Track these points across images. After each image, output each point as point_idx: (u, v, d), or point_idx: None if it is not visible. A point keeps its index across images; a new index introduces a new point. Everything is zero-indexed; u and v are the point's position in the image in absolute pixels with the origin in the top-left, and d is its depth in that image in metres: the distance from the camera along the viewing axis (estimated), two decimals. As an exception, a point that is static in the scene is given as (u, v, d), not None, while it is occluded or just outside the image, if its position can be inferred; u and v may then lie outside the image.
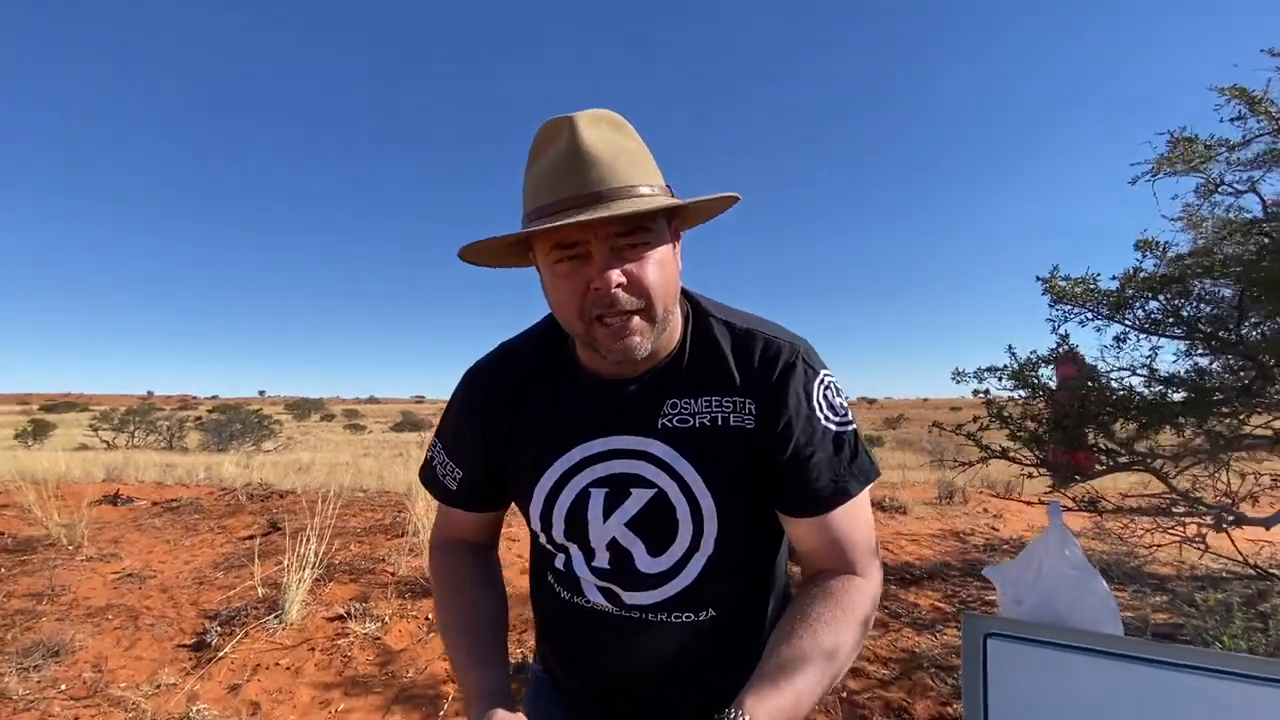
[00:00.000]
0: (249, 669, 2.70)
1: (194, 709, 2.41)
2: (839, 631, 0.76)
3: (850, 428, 0.85)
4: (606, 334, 0.75)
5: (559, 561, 0.91)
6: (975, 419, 2.96)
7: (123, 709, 2.43)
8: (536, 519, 0.88)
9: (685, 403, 0.83)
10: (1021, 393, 2.84)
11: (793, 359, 0.84)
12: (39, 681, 2.62)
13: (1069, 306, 2.80)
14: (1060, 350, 2.88)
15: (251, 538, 4.52)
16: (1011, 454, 2.94)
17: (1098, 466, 2.90)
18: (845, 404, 0.87)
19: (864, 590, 0.82)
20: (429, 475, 0.96)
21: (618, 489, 0.84)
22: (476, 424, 0.90)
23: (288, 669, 2.70)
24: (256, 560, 3.71)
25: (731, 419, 0.82)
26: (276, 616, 3.06)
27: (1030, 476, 3.15)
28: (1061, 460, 2.85)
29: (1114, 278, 2.85)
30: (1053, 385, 2.79)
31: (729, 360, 0.84)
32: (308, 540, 3.43)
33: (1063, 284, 2.80)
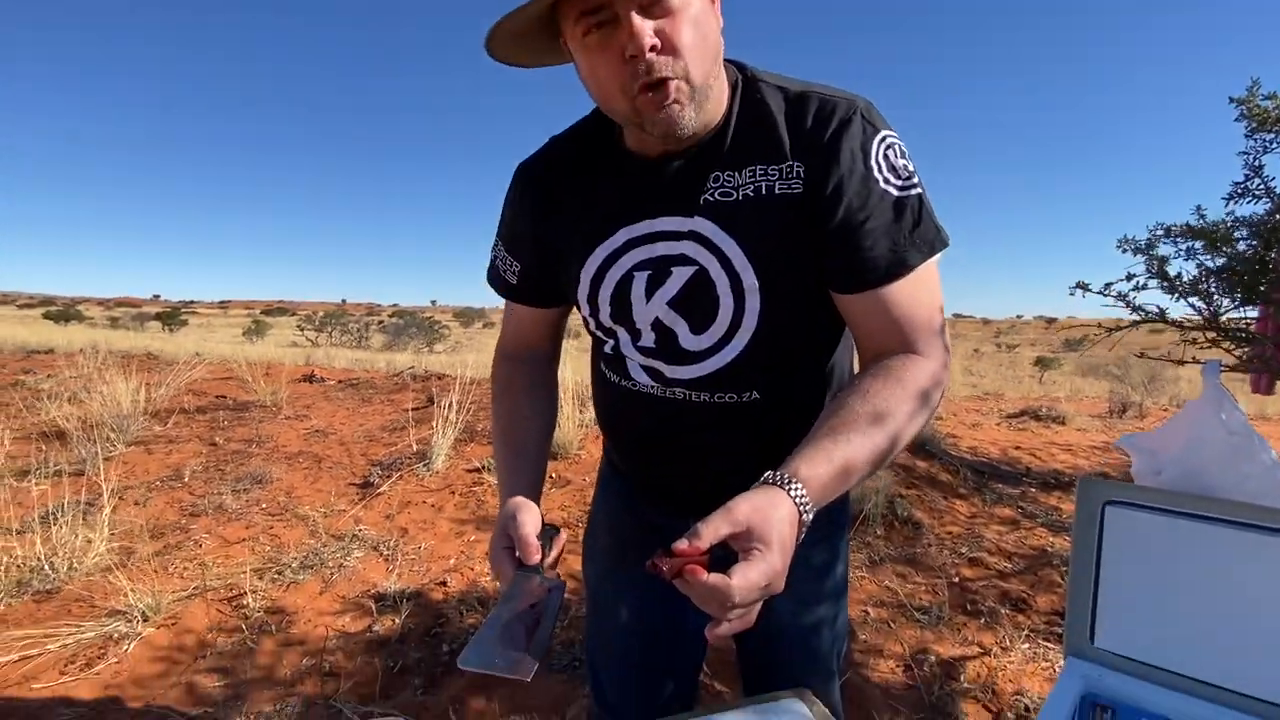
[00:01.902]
0: (401, 504, 3.12)
1: (357, 529, 2.86)
2: (893, 401, 0.70)
3: (914, 192, 0.75)
4: (650, 104, 0.71)
5: (608, 347, 0.92)
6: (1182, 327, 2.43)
7: (305, 524, 2.93)
8: (585, 303, 0.89)
9: (729, 175, 0.78)
10: (1211, 260, 2.31)
11: (849, 114, 0.75)
12: (246, 500, 3.22)
13: (1272, 134, 2.17)
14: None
15: (412, 409, 5.11)
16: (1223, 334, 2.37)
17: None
18: (911, 167, 0.77)
19: (923, 367, 0.74)
20: (492, 274, 0.99)
21: (660, 270, 0.82)
22: (526, 218, 0.91)
23: (431, 506, 3.09)
24: (413, 425, 4.20)
25: (777, 187, 0.76)
26: (425, 465, 3.49)
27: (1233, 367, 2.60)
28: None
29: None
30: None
31: (779, 126, 0.77)
32: (454, 408, 3.83)
33: (1265, 104, 2.16)
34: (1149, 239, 2.41)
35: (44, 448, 3.81)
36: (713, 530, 0.59)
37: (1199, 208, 2.36)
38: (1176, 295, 2.33)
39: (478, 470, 3.46)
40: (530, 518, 0.75)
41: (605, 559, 1.08)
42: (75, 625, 2.03)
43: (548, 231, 0.90)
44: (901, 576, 2.64)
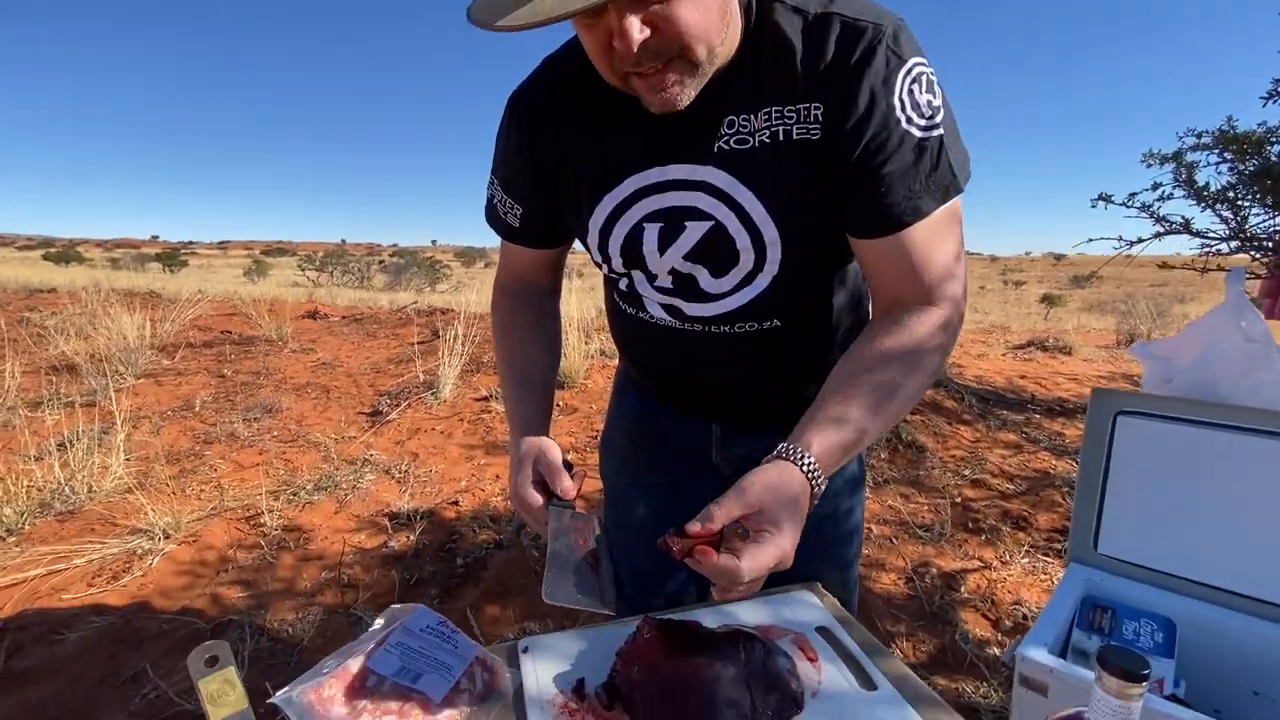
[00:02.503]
0: (411, 431, 3.16)
1: (369, 454, 2.90)
2: (906, 364, 0.70)
3: (936, 132, 0.69)
4: (643, 85, 0.66)
5: (623, 284, 0.88)
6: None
7: (318, 449, 2.97)
8: (595, 252, 0.84)
9: (745, 119, 0.72)
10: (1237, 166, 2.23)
11: (874, 44, 0.67)
12: (258, 429, 3.26)
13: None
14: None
15: (418, 343, 5.13)
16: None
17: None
18: (937, 102, 0.70)
19: (935, 319, 0.72)
20: (491, 215, 0.93)
21: (672, 223, 0.77)
22: (525, 155, 0.83)
23: (441, 433, 3.13)
24: (419, 357, 4.22)
25: (794, 131, 0.71)
26: (433, 394, 3.51)
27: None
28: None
29: None
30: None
31: (796, 58, 0.70)
32: (460, 340, 3.83)
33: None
34: (1178, 148, 2.34)
35: (55, 380, 3.84)
36: (725, 512, 0.60)
37: (1229, 118, 2.28)
38: (1203, 204, 2.27)
39: (485, 399, 3.48)
40: (556, 454, 0.78)
41: (623, 458, 1.09)
42: (99, 542, 2.09)
43: (548, 173, 0.83)
44: (904, 497, 2.69)
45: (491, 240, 1.00)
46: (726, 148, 0.73)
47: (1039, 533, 2.44)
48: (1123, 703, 0.50)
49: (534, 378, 0.90)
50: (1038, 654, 0.91)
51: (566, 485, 0.76)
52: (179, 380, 4.16)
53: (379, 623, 0.83)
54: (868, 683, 0.80)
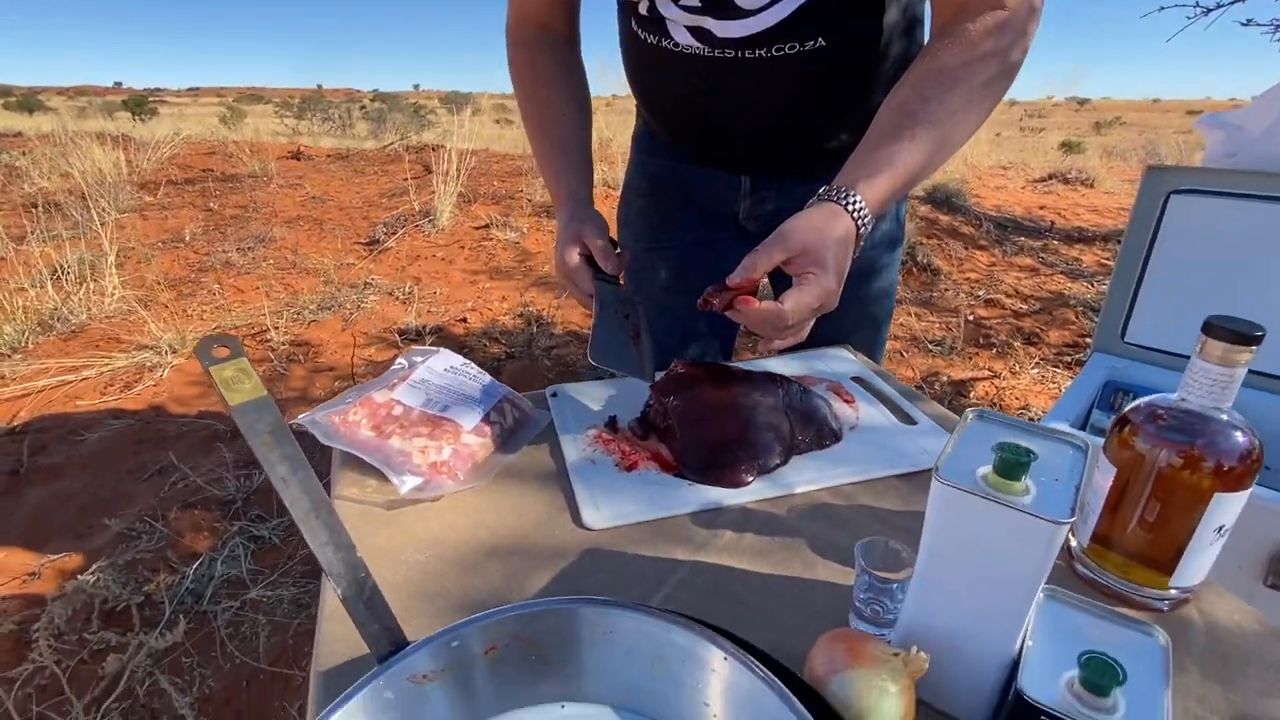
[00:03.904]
0: (410, 258, 3.07)
1: (370, 278, 2.83)
2: (965, 87, 0.61)
3: None
4: None
5: (642, 8, 0.76)
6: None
7: (317, 275, 2.90)
8: None
9: None
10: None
11: None
12: (253, 258, 3.16)
13: None
14: None
15: (410, 178, 4.88)
16: None
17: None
18: None
19: (995, 20, 0.61)
20: None
21: None
22: None
23: (442, 259, 3.04)
24: (413, 191, 4.02)
25: None
26: (431, 222, 3.38)
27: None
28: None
29: None
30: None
31: None
32: (455, 171, 3.62)
33: None
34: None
35: (37, 216, 3.68)
36: (766, 259, 0.56)
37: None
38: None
39: (485, 227, 3.35)
40: (601, 227, 0.76)
41: (642, 221, 1.01)
42: (106, 357, 2.07)
43: None
44: (917, 316, 2.66)
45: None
46: None
47: (1049, 347, 2.43)
48: (1225, 370, 0.45)
49: (569, 141, 0.83)
50: (1059, 427, 0.90)
51: (613, 264, 0.75)
52: (164, 215, 3.99)
53: (400, 363, 0.79)
54: (906, 419, 0.78)
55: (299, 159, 6.75)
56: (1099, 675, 0.34)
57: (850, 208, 0.59)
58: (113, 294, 2.49)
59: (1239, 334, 0.43)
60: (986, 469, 0.37)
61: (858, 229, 0.59)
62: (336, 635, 0.45)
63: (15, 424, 1.75)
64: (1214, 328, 0.44)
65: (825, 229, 0.57)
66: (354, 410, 0.69)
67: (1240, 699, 0.42)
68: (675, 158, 0.93)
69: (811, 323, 0.61)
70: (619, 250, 0.78)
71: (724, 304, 0.58)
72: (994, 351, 2.38)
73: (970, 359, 2.33)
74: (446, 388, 0.74)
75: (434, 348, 0.80)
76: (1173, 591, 0.48)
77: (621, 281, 0.77)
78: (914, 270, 2.98)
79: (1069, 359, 2.34)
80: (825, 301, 0.58)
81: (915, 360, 2.32)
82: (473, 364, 0.79)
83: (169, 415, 1.83)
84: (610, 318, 0.76)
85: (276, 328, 2.30)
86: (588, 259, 0.76)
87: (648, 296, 1.03)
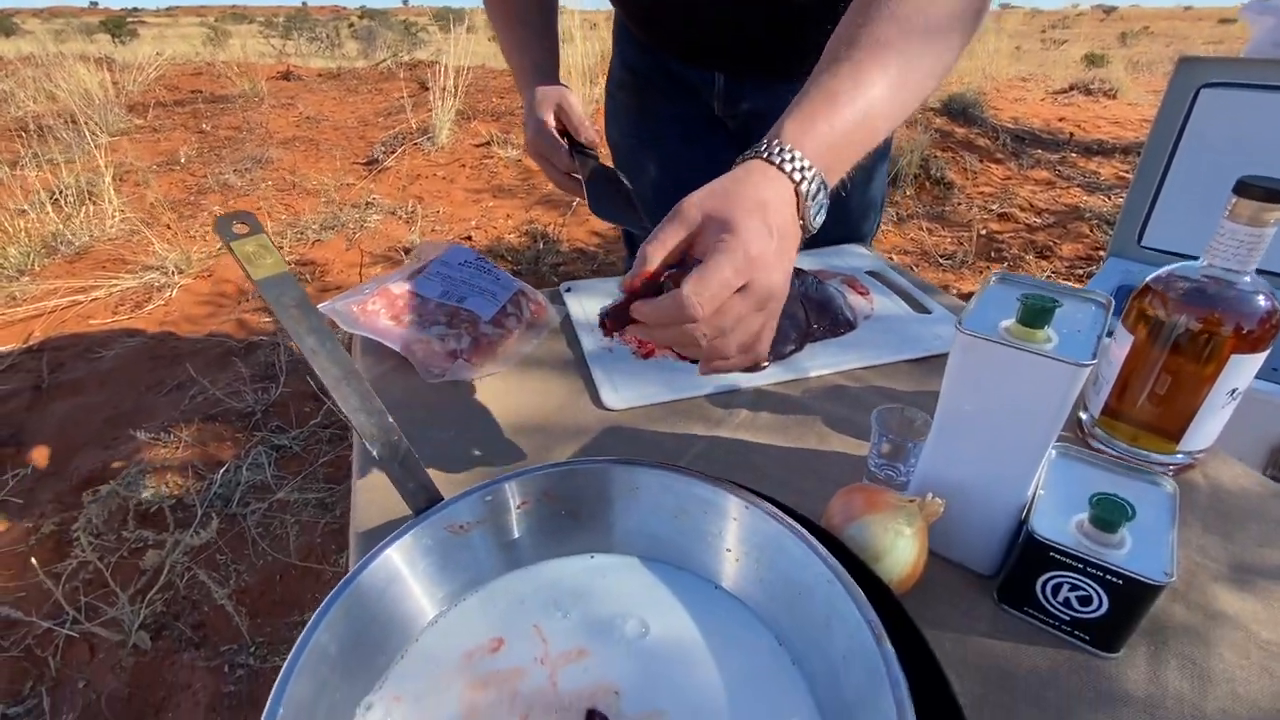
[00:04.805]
0: (411, 177, 3.01)
1: (371, 198, 2.78)
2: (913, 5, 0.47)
3: None
4: None
5: None
6: None
7: (317, 195, 2.85)
8: None
9: None
10: None
11: None
12: (251, 179, 3.10)
13: None
14: None
15: (407, 96, 4.72)
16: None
17: None
18: None
19: None
20: None
21: None
22: None
23: (443, 179, 2.98)
24: (410, 109, 3.89)
25: None
26: (430, 140, 3.29)
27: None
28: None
29: None
30: None
31: None
32: (452, 86, 3.48)
33: None
34: None
35: (29, 139, 3.59)
36: (660, 245, 0.40)
37: None
38: None
39: (486, 144, 3.27)
40: (577, 101, 0.73)
41: (627, 114, 0.98)
42: (114, 277, 2.07)
43: None
44: (928, 231, 2.61)
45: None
46: None
47: (1062, 260, 2.40)
48: (1254, 230, 0.45)
49: (532, 16, 0.78)
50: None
51: (591, 134, 0.72)
52: (157, 137, 3.89)
53: (415, 257, 0.79)
54: (921, 309, 0.78)
55: (289, 79, 6.50)
56: (1109, 512, 0.35)
57: (780, 161, 0.44)
58: (114, 216, 2.46)
59: (1272, 191, 0.43)
60: (1009, 321, 0.37)
61: (796, 186, 0.44)
62: (373, 501, 0.47)
63: (31, 343, 1.77)
64: (1247, 186, 0.44)
65: (736, 190, 0.43)
66: (372, 300, 0.69)
67: (1238, 549, 0.44)
68: (651, 50, 0.90)
69: (766, 328, 0.43)
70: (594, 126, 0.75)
71: (618, 320, 0.41)
72: (1005, 265, 2.36)
73: (981, 273, 2.31)
74: (463, 280, 0.74)
75: (446, 241, 0.80)
76: (1179, 456, 0.50)
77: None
78: (926, 184, 2.91)
79: (1081, 272, 2.31)
80: (752, 274, 0.39)
81: (925, 274, 2.30)
82: (486, 259, 0.79)
83: (182, 333, 1.85)
84: (599, 184, 0.70)
85: (281, 248, 2.28)
86: (563, 134, 0.73)
87: (639, 199, 1.01)
